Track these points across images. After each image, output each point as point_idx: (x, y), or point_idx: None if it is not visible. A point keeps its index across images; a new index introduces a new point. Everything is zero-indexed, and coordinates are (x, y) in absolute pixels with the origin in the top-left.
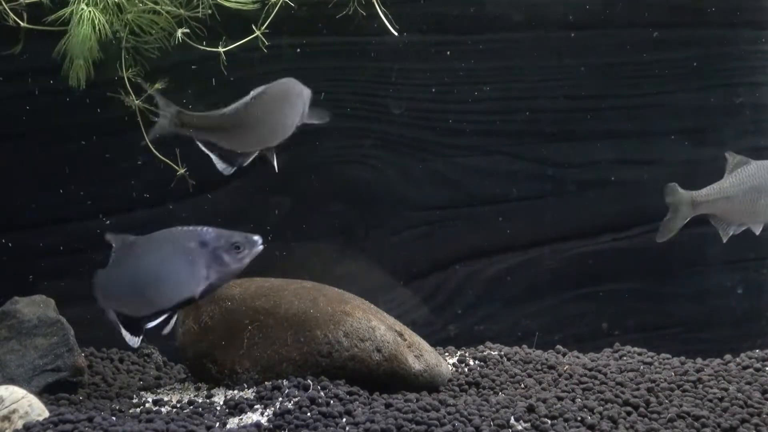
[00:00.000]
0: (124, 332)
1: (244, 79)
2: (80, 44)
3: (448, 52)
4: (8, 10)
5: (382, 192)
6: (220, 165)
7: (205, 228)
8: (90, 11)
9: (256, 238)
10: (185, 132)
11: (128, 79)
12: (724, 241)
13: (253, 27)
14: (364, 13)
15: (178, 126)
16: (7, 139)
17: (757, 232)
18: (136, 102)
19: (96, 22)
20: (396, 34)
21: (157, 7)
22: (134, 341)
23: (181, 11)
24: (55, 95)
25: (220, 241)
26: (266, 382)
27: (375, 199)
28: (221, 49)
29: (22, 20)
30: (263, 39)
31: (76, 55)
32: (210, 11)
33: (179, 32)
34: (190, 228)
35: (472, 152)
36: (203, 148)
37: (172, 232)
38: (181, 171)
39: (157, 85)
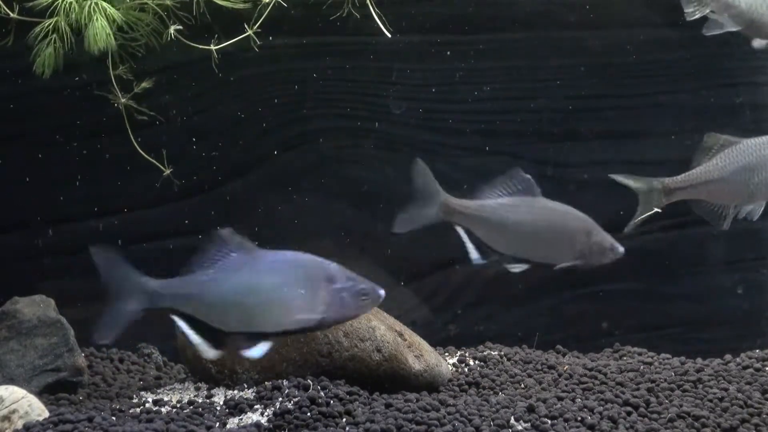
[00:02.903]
0: (196, 339)
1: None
2: (98, 35)
3: (448, 52)
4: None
5: (382, 192)
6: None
7: (333, 264)
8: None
9: (381, 291)
10: None
11: (116, 77)
12: (725, 227)
13: (246, 26)
14: (358, 15)
15: None
16: (7, 139)
17: (755, 216)
18: (123, 101)
19: (110, 15)
20: (389, 35)
21: (148, 1)
22: (212, 353)
23: (168, 2)
24: (54, 94)
25: (347, 283)
26: (266, 382)
27: (375, 199)
28: (213, 47)
29: (13, 11)
30: (255, 38)
31: (93, 47)
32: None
33: (172, 29)
34: (319, 259)
35: (472, 152)
36: None
37: (299, 257)
38: (167, 171)
39: (145, 84)
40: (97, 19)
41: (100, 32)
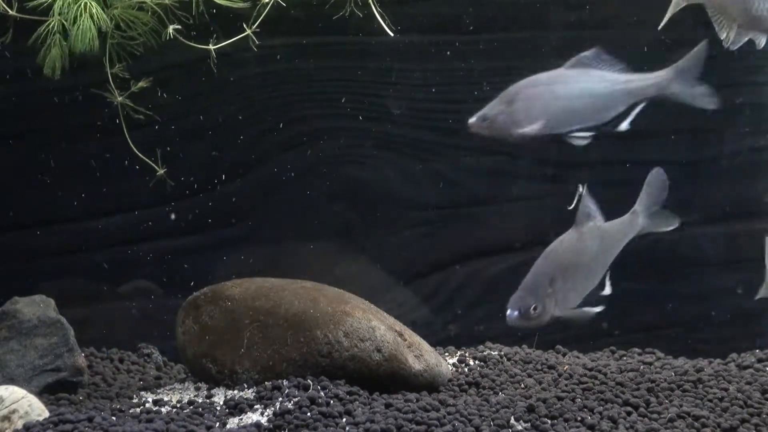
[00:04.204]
0: None
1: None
2: (81, 36)
3: (448, 52)
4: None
5: (382, 192)
6: None
7: None
8: (87, 2)
9: None
10: None
11: (113, 76)
12: (730, 46)
13: (245, 26)
14: (361, 14)
15: None
16: (7, 139)
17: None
18: (119, 99)
19: (95, 14)
20: (392, 34)
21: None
22: None
23: (166, 1)
24: (54, 94)
25: None
26: (266, 382)
27: (375, 199)
28: (212, 47)
29: (11, 8)
30: (254, 38)
31: (76, 47)
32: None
33: (170, 28)
34: None
35: (472, 152)
36: None
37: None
38: (161, 171)
39: (142, 84)
40: (84, 20)
41: (85, 33)
